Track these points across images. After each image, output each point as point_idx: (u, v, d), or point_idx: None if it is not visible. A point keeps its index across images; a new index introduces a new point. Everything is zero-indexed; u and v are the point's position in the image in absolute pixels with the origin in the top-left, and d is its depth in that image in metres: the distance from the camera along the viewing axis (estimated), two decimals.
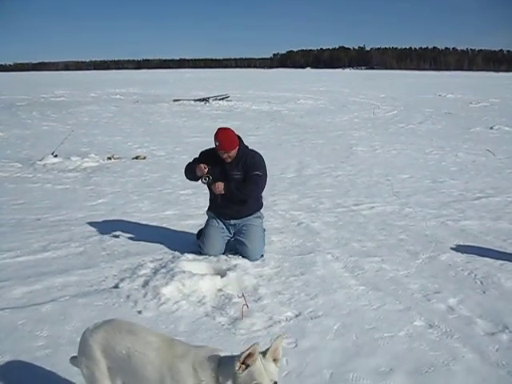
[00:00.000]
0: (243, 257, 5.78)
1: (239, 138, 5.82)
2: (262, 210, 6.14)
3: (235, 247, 5.98)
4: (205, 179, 5.72)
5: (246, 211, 5.95)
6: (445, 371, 3.61)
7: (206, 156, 5.93)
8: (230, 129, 5.84)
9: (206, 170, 5.69)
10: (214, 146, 5.75)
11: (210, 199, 6.13)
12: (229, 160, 5.75)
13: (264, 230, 6.11)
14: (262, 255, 5.85)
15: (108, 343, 2.68)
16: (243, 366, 2.39)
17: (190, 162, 6.04)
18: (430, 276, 5.30)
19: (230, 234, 6.02)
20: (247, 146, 5.94)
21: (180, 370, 2.49)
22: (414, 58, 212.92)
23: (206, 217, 6.17)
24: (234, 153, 5.71)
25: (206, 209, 6.24)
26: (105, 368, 2.72)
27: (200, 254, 5.87)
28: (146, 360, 2.58)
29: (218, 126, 5.93)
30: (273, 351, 2.49)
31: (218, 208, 5.98)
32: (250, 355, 2.38)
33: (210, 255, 5.81)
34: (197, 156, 6.06)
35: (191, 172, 5.89)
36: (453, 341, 4.02)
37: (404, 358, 3.77)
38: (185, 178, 6.09)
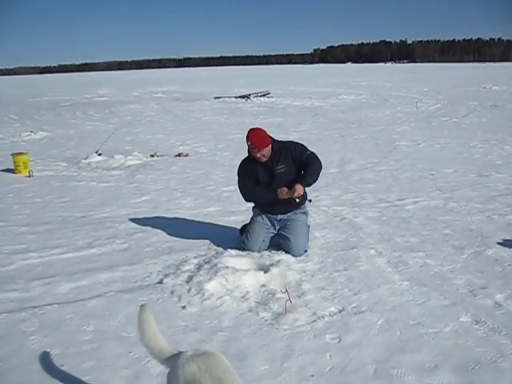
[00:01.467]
0: (286, 252, 5.78)
1: (270, 136, 5.81)
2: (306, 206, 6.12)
3: (278, 243, 5.97)
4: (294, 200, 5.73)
5: (292, 205, 5.89)
6: (492, 368, 3.53)
7: (247, 167, 5.92)
8: (260, 128, 5.85)
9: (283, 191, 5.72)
10: (246, 156, 5.84)
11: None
12: (264, 159, 5.73)
13: (308, 227, 6.09)
14: (306, 251, 5.83)
15: (194, 381, 2.45)
16: None
17: (244, 183, 5.97)
18: (476, 271, 5.19)
19: (275, 230, 6.00)
20: (278, 140, 5.93)
21: None
22: (458, 51, 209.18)
23: (249, 213, 6.18)
24: (267, 151, 5.70)
25: (251, 205, 6.23)
26: None
27: (243, 249, 5.90)
28: None
29: (255, 125, 5.96)
30: None
31: (265, 207, 5.97)
32: None
33: (253, 251, 5.82)
34: (240, 170, 6.02)
35: (262, 196, 5.90)
36: (500, 337, 3.93)
37: (450, 355, 3.71)
38: (241, 195, 6.11)
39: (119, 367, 3.66)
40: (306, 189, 5.85)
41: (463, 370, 3.51)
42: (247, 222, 6.19)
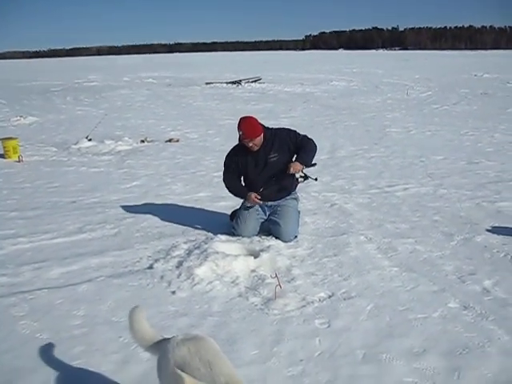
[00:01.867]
0: (276, 238, 5.79)
1: (261, 124, 5.78)
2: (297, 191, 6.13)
3: (269, 228, 5.98)
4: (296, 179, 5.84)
5: (284, 193, 5.94)
6: (480, 353, 3.56)
7: (236, 157, 5.91)
8: (251, 117, 5.80)
9: (259, 200, 5.81)
10: (237, 143, 5.82)
11: (247, 187, 6.08)
12: (255, 148, 5.71)
13: (299, 212, 6.10)
14: (296, 236, 5.84)
15: (184, 365, 2.42)
16: None
17: (227, 175, 6.03)
18: (465, 258, 5.22)
19: (265, 215, 6.00)
20: (270, 128, 5.91)
21: None
22: (449, 38, 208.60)
23: (239, 198, 6.18)
24: (259, 140, 5.67)
25: None
26: None
27: (233, 235, 5.90)
28: None
29: (246, 111, 5.94)
30: None
31: (261, 193, 5.94)
32: None
33: (243, 236, 5.83)
34: (226, 160, 6.03)
35: (238, 193, 6.04)
36: (488, 323, 3.97)
37: (438, 340, 3.74)
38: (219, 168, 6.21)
39: (109, 352, 3.66)
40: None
41: (451, 355, 3.54)
42: (237, 207, 6.19)
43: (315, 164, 6.06)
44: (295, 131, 5.92)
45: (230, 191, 6.11)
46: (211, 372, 2.37)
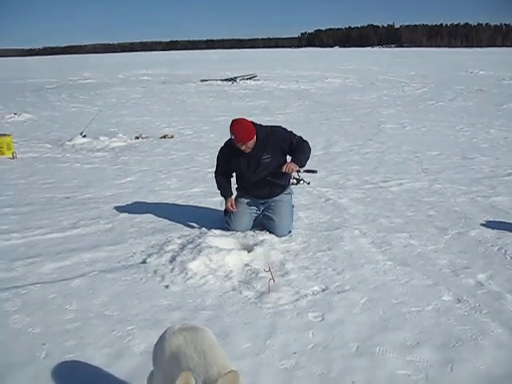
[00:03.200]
0: (271, 232, 5.78)
1: (254, 124, 5.69)
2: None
3: (262, 223, 5.97)
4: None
5: (278, 190, 5.91)
6: (473, 345, 3.56)
7: (228, 152, 5.86)
8: (243, 119, 5.72)
9: (233, 209, 5.89)
10: (229, 138, 5.76)
11: (237, 183, 6.10)
12: (248, 150, 5.64)
13: (293, 207, 6.09)
14: (290, 231, 5.83)
15: (179, 353, 2.43)
16: None
17: (217, 170, 6.06)
18: (459, 252, 5.22)
19: (259, 210, 5.99)
20: (263, 125, 5.82)
21: None
22: (445, 35, 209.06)
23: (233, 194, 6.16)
24: (251, 143, 5.60)
25: (235, 187, 6.18)
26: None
27: (227, 230, 5.88)
28: None
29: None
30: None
31: (250, 192, 5.95)
32: None
33: (237, 231, 5.82)
34: (219, 155, 6.02)
35: (221, 192, 6.08)
36: (481, 316, 3.96)
37: (431, 333, 3.74)
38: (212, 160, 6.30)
39: (102, 345, 3.64)
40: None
41: (445, 348, 3.54)
42: None
43: (316, 171, 6.12)
44: (291, 132, 5.81)
45: (216, 187, 6.11)
46: (205, 361, 2.36)
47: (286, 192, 6.01)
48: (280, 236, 5.70)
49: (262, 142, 5.65)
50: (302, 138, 5.79)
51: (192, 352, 2.40)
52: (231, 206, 5.89)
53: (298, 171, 5.82)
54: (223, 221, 6.07)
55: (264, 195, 5.90)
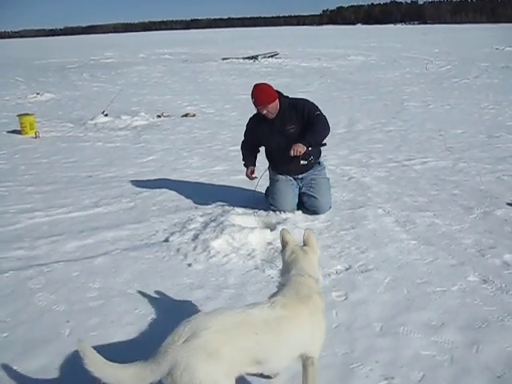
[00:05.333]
0: (313, 211, 5.72)
1: (278, 92, 5.59)
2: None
3: (301, 201, 5.87)
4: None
5: (306, 166, 5.76)
6: (499, 327, 3.51)
7: (254, 124, 5.79)
8: (265, 83, 5.65)
9: (253, 176, 5.91)
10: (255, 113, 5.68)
11: (269, 160, 6.00)
12: (271, 116, 5.52)
13: (328, 180, 6.00)
14: (330, 207, 5.80)
15: (197, 327, 2.44)
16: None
17: (244, 140, 6.03)
18: (485, 231, 5.14)
19: (299, 185, 5.85)
20: (288, 96, 5.71)
21: None
22: (470, 11, 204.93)
23: (256, 172, 6.05)
24: (273, 107, 5.47)
25: (267, 166, 6.06)
26: None
27: (272, 211, 5.78)
28: None
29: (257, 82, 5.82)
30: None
31: (279, 167, 5.83)
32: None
33: (284, 211, 5.71)
34: (248, 125, 5.95)
35: (244, 162, 6.04)
36: (508, 296, 3.90)
37: (457, 313, 3.69)
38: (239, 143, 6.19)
39: (124, 323, 3.66)
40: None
41: (470, 329, 3.48)
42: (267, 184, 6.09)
43: (325, 144, 5.85)
44: (313, 104, 5.64)
45: (242, 158, 6.08)
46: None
47: (320, 167, 5.90)
48: (322, 213, 5.68)
49: (286, 111, 5.54)
50: (320, 115, 5.53)
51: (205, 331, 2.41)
52: (251, 173, 5.88)
53: (309, 154, 5.60)
54: (246, 199, 6.05)
55: (292, 170, 5.75)
